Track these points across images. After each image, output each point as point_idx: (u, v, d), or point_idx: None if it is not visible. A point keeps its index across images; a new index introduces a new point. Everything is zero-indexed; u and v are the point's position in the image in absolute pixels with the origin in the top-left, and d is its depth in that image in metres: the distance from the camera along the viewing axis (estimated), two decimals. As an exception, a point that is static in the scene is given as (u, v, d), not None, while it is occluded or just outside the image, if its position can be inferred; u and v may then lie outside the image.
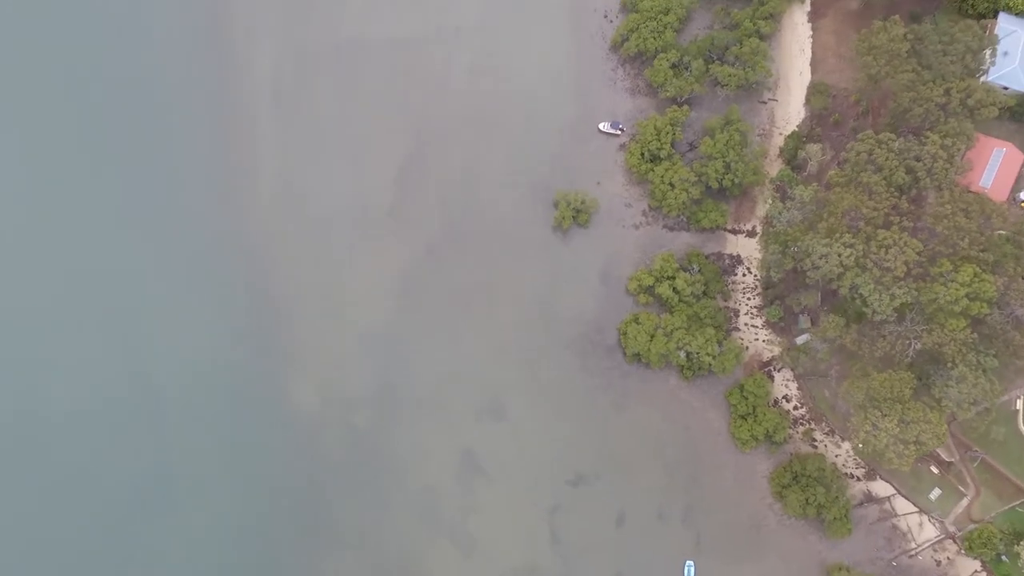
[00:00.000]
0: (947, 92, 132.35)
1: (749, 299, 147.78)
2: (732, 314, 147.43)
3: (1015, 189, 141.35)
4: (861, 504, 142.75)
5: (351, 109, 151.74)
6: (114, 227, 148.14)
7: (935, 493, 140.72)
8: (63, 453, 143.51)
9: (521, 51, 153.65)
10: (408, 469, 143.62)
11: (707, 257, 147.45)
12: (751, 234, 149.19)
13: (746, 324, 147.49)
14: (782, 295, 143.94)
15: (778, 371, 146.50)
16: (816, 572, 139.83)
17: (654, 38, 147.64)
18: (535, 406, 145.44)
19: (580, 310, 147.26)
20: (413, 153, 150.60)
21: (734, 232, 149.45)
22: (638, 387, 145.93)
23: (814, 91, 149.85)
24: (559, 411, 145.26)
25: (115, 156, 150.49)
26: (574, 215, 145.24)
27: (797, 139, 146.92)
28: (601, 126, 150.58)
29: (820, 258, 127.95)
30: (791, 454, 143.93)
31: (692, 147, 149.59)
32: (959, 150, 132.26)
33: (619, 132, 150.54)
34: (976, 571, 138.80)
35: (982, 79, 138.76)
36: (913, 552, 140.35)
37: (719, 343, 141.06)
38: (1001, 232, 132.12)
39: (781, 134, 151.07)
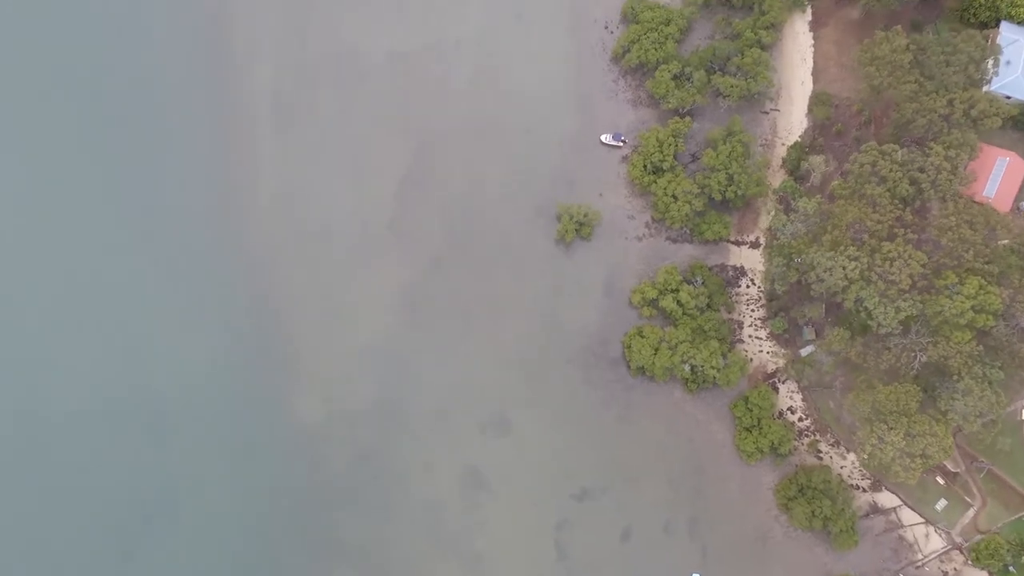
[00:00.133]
0: (950, 103, 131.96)
1: (753, 311, 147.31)
2: (736, 326, 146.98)
3: (1018, 198, 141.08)
4: (867, 515, 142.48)
5: (352, 121, 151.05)
6: (114, 246, 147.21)
7: (941, 504, 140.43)
8: (62, 477, 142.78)
9: (522, 63, 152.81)
10: (412, 484, 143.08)
11: (710, 269, 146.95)
12: (754, 245, 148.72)
13: (750, 336, 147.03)
14: (786, 307, 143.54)
15: (783, 383, 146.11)
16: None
17: (655, 49, 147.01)
18: (539, 420, 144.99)
19: (584, 323, 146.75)
20: (414, 166, 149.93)
21: (737, 243, 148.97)
22: (642, 400, 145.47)
23: (816, 101, 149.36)
24: (563, 425, 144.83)
25: (115, 169, 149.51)
26: (577, 228, 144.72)
27: (800, 150, 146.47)
28: (603, 138, 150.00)
29: (825, 271, 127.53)
30: (796, 466, 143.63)
31: (695, 158, 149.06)
32: (962, 161, 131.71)
33: (621, 144, 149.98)
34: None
35: (985, 89, 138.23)
36: (920, 563, 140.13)
37: (723, 356, 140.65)
38: (1005, 242, 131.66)
39: (783, 144, 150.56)
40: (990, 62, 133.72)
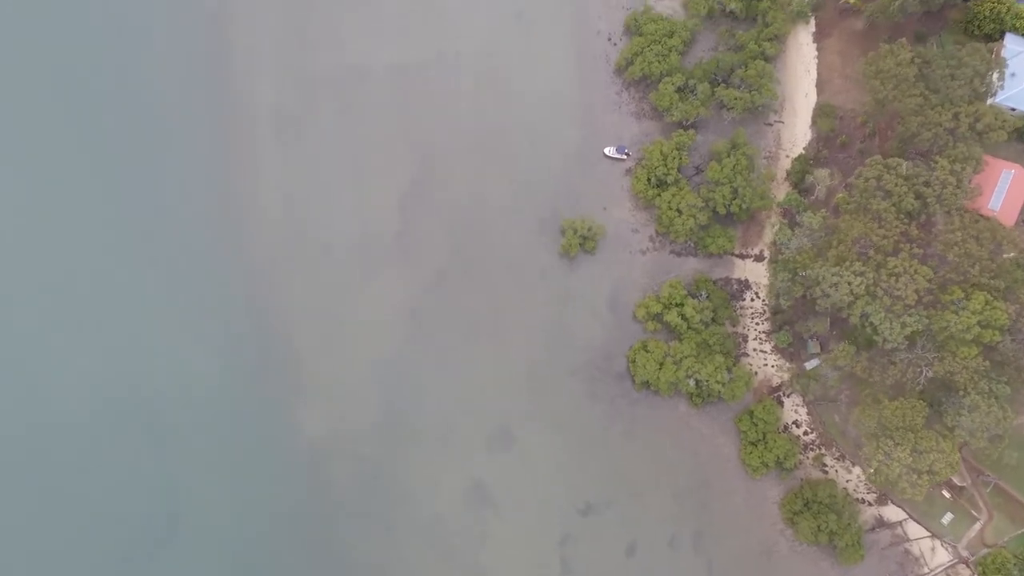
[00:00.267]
0: (956, 116, 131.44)
1: (757, 324, 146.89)
2: (741, 340, 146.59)
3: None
4: (873, 529, 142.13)
5: (354, 135, 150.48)
6: (116, 259, 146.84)
7: (947, 517, 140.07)
8: (63, 493, 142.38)
9: (524, 75, 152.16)
10: (417, 499, 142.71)
11: (715, 282, 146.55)
12: (759, 258, 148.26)
13: (755, 349, 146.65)
14: (791, 321, 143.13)
15: (787, 396, 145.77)
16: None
17: (659, 61, 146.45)
18: (544, 434, 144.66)
19: (588, 337, 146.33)
20: (417, 180, 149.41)
21: (741, 257, 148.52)
22: (647, 414, 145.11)
23: (820, 113, 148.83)
24: (568, 439, 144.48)
25: (116, 184, 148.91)
26: (581, 242, 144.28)
27: (804, 162, 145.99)
28: (607, 151, 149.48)
29: (830, 287, 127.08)
30: (802, 480, 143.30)
31: (698, 171, 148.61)
32: (967, 174, 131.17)
33: (625, 156, 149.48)
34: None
35: (990, 101, 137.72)
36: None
37: (728, 370, 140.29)
38: (1011, 255, 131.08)
39: (788, 156, 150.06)
40: (995, 75, 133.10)
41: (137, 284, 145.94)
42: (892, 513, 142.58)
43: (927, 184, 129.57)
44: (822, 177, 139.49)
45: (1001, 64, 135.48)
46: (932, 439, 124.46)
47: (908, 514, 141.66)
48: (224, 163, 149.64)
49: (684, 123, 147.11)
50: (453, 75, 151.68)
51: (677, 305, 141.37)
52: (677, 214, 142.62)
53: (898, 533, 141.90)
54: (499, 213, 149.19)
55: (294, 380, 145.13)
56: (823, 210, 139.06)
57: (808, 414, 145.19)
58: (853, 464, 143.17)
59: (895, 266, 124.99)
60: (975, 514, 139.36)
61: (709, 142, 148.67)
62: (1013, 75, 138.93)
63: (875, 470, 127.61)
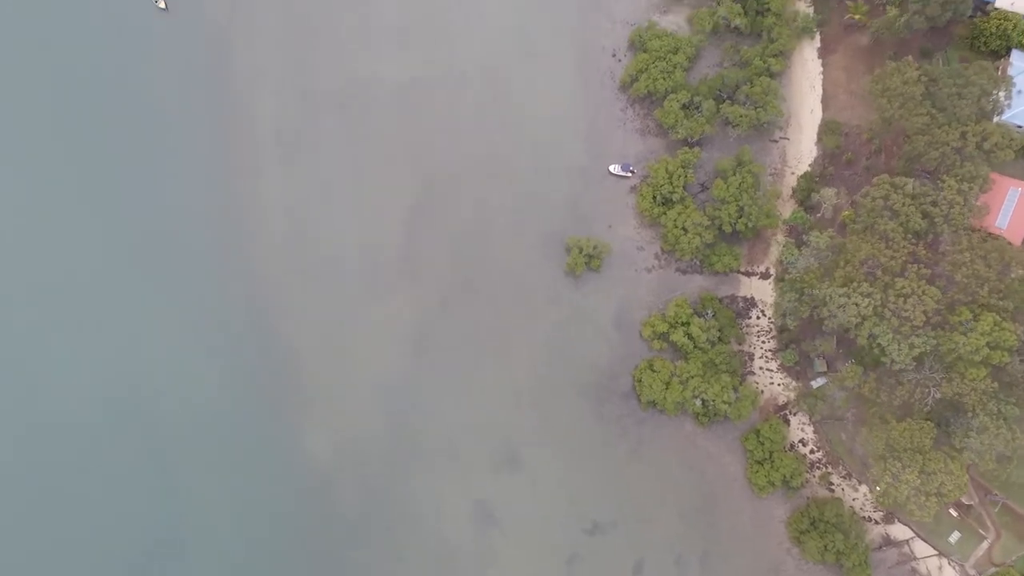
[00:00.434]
0: (963, 135, 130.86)
1: (764, 342, 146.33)
2: (747, 358, 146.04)
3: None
4: (880, 548, 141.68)
5: (357, 154, 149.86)
6: (119, 278, 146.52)
7: (955, 536, 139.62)
8: (67, 511, 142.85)
9: (529, 92, 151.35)
10: (423, 521, 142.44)
11: (721, 300, 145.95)
12: (764, 276, 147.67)
13: (761, 368, 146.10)
14: (797, 339, 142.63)
15: (794, 415, 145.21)
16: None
17: (664, 78, 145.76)
18: (550, 454, 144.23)
19: (594, 356, 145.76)
20: (421, 198, 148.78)
21: (747, 274, 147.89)
22: (653, 433, 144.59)
23: (826, 130, 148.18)
24: (574, 459, 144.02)
25: (118, 204, 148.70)
26: (586, 260, 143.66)
27: (810, 180, 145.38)
28: (611, 168, 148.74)
29: (838, 307, 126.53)
30: (808, 498, 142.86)
31: (704, 188, 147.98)
32: (974, 193, 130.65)
33: (630, 174, 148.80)
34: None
35: (996, 119, 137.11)
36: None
37: (735, 389, 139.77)
38: (1020, 275, 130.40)
39: (793, 173, 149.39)
40: (1002, 94, 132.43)
41: (143, 306, 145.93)
42: (899, 531, 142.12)
43: (934, 204, 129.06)
44: (828, 196, 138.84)
45: (1008, 82, 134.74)
46: (940, 460, 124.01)
47: (915, 532, 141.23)
48: (228, 182, 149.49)
49: (689, 140, 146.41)
50: (457, 92, 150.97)
51: (683, 324, 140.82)
52: (683, 232, 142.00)
53: (905, 552, 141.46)
54: (503, 230, 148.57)
55: (300, 400, 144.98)
56: (830, 229, 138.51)
57: (814, 432, 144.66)
58: (860, 482, 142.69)
59: (903, 287, 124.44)
60: (983, 533, 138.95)
61: (714, 159, 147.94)
62: (1020, 92, 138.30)
63: (883, 492, 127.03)
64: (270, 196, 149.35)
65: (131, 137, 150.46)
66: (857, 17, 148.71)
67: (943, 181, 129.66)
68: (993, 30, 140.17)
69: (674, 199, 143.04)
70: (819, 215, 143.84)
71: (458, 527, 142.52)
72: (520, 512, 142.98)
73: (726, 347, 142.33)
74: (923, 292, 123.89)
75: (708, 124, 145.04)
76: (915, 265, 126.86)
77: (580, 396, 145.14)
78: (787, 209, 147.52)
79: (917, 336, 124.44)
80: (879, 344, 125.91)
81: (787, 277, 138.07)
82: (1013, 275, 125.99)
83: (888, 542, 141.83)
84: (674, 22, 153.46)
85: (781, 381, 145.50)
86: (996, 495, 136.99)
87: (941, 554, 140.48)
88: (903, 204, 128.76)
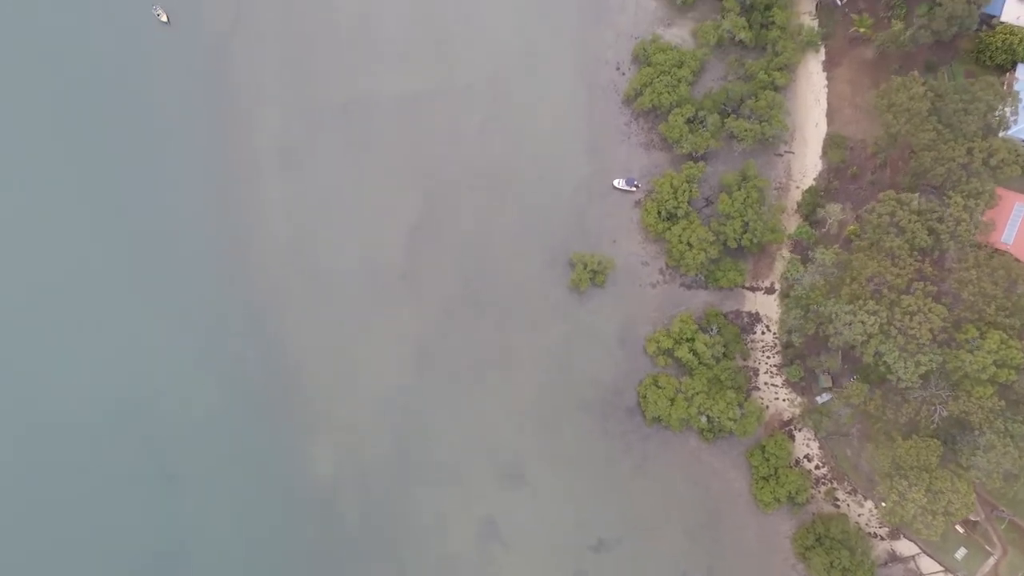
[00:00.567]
0: (969, 151, 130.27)
1: (768, 358, 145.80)
2: (752, 373, 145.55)
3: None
4: (886, 564, 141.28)
5: (360, 169, 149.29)
6: (121, 295, 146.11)
7: (961, 552, 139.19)
8: (71, 530, 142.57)
9: (532, 105, 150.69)
10: (427, 538, 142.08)
11: (725, 316, 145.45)
12: (769, 291, 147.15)
13: (766, 383, 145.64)
14: (802, 355, 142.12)
15: (799, 430, 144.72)
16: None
17: (668, 93, 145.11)
18: (554, 471, 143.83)
19: (598, 372, 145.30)
20: (425, 213, 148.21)
21: (752, 289, 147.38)
22: (658, 449, 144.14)
23: (831, 144, 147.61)
24: (579, 475, 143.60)
25: (120, 219, 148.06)
26: (591, 277, 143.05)
27: (815, 194, 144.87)
28: (616, 183, 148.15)
29: (844, 325, 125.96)
30: (814, 514, 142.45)
31: (708, 202, 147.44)
32: (980, 209, 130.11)
33: (634, 188, 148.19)
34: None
35: (1002, 134, 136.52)
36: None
37: (740, 405, 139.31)
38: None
39: (798, 187, 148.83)
40: (1008, 109, 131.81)
41: (146, 320, 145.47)
42: (905, 547, 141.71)
43: (940, 220, 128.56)
44: (834, 212, 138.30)
45: (1014, 97, 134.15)
46: (947, 479, 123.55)
47: (921, 549, 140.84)
48: (231, 197, 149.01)
49: (694, 155, 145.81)
50: (461, 106, 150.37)
51: (688, 340, 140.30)
52: (688, 248, 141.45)
53: (911, 568, 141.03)
54: (507, 245, 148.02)
55: (303, 415, 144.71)
56: (835, 246, 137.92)
57: (820, 448, 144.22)
58: (865, 498, 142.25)
59: (909, 305, 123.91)
60: (989, 549, 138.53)
61: (719, 173, 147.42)
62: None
63: (889, 510, 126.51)
64: (273, 211, 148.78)
65: (133, 150, 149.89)
66: (862, 30, 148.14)
67: (949, 197, 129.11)
68: (999, 44, 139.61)
69: (679, 214, 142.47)
70: (824, 230, 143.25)
71: (462, 543, 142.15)
72: (524, 528, 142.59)
73: (731, 363, 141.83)
74: (929, 310, 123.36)
75: (713, 138, 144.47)
76: (921, 282, 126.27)
77: (584, 412, 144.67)
78: (792, 223, 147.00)
79: (923, 354, 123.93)
80: (885, 362, 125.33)
81: (792, 294, 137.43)
82: (1020, 292, 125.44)
83: (894, 558, 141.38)
84: (678, 35, 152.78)
85: (786, 396, 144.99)
86: (1003, 511, 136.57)
87: (947, 570, 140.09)
88: (909, 221, 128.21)
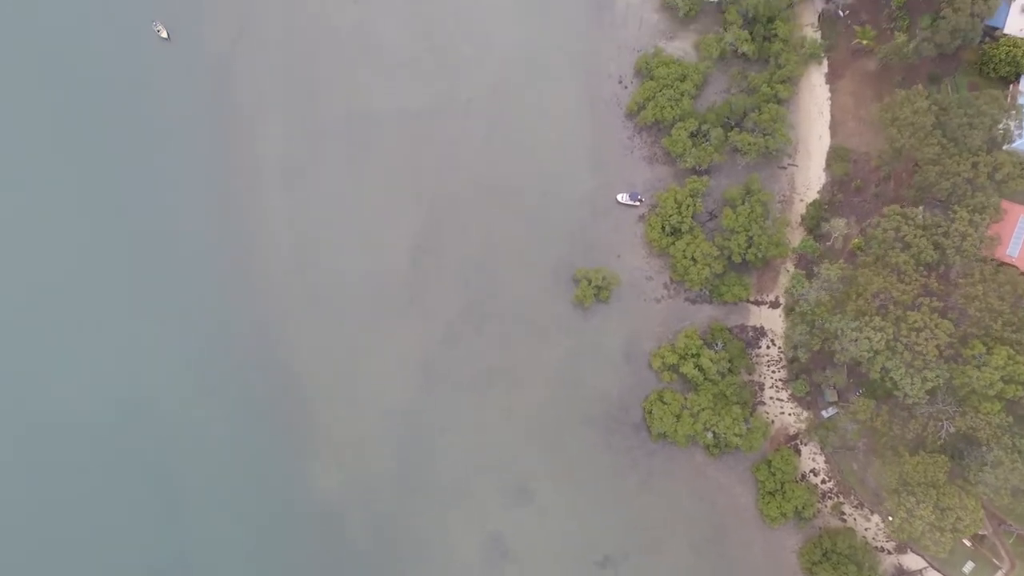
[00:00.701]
0: (974, 166, 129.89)
1: (774, 372, 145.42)
2: (757, 388, 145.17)
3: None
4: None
5: (363, 185, 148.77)
6: (125, 313, 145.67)
7: (968, 566, 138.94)
8: (75, 549, 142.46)
9: (535, 120, 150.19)
10: (433, 556, 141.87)
11: (730, 330, 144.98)
12: (774, 305, 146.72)
13: (771, 398, 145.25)
14: (808, 369, 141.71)
15: (805, 444, 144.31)
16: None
17: (671, 107, 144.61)
18: (560, 487, 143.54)
19: (604, 387, 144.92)
20: (428, 230, 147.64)
21: (757, 303, 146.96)
22: (664, 465, 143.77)
23: (835, 157, 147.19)
24: (585, 491, 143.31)
25: (123, 237, 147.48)
26: (595, 292, 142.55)
27: (819, 208, 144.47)
28: (619, 197, 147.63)
29: (850, 341, 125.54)
30: (820, 529, 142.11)
31: (712, 216, 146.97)
32: (985, 223, 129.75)
33: (638, 203, 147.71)
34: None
35: (1007, 147, 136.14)
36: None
37: (745, 420, 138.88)
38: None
39: (802, 200, 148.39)
40: (1013, 123, 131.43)
41: (150, 339, 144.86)
42: (912, 562, 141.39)
43: (946, 235, 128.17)
44: (839, 227, 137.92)
45: (1019, 110, 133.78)
46: (955, 495, 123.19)
47: (928, 563, 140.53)
48: (233, 214, 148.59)
49: (698, 169, 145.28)
50: (463, 121, 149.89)
51: (693, 356, 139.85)
52: (692, 263, 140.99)
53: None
54: (511, 261, 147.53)
55: (307, 435, 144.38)
56: (840, 261, 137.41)
57: (826, 462, 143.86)
58: (872, 512, 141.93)
59: (915, 321, 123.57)
60: (996, 563, 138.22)
61: (722, 186, 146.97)
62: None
63: (897, 528, 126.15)
64: (276, 226, 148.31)
65: (134, 165, 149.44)
66: (865, 42, 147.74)
67: (954, 212, 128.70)
68: (1002, 56, 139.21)
69: (683, 229, 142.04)
70: (829, 244, 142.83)
71: (468, 559, 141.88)
72: (531, 544, 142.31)
73: (736, 378, 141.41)
74: (936, 326, 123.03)
75: (716, 152, 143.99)
76: (927, 298, 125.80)
77: (590, 427, 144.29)
78: (796, 237, 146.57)
79: (930, 370, 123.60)
80: (891, 378, 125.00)
81: (798, 309, 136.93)
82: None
83: (901, 572, 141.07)
84: (680, 48, 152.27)
85: (792, 411, 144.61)
86: (1010, 525, 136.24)
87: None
88: (915, 236, 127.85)
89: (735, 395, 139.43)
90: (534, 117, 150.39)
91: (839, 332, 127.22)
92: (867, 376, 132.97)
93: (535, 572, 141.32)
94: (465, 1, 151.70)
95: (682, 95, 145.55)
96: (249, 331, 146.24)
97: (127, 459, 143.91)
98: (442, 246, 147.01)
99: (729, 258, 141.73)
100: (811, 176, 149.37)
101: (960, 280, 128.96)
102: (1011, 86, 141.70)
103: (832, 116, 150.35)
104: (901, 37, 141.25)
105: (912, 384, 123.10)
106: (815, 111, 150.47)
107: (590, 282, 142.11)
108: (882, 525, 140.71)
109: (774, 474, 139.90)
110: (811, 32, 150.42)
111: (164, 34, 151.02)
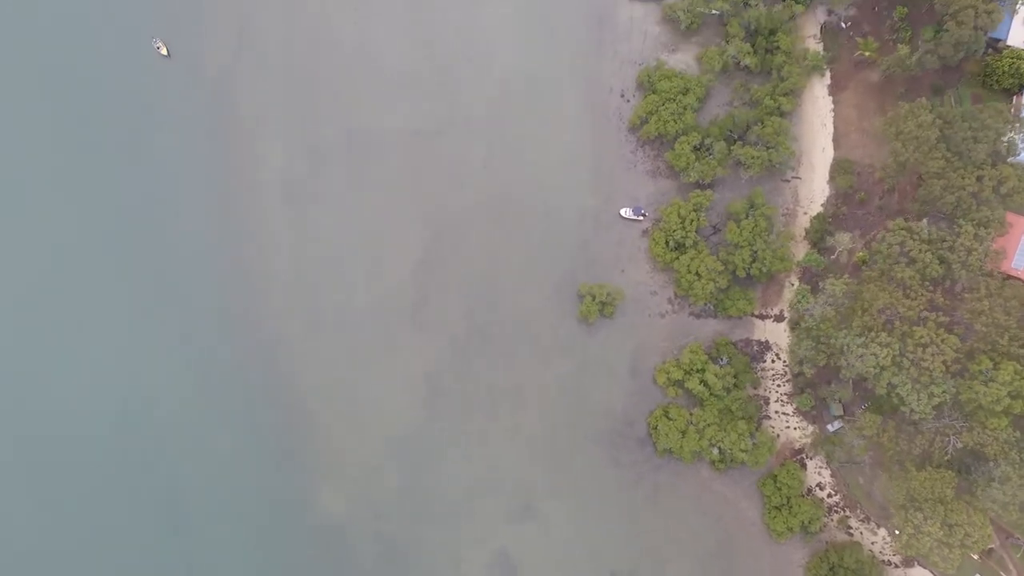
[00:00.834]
0: (979, 179, 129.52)
1: (779, 386, 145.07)
2: (762, 402, 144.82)
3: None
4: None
5: (365, 203, 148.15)
6: (127, 335, 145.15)
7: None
8: (80, 570, 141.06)
9: (537, 136, 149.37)
10: (440, 573, 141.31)
11: (735, 344, 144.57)
12: (778, 319, 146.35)
13: (777, 412, 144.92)
14: (813, 383, 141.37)
15: (810, 458, 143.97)
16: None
17: (674, 121, 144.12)
18: (566, 503, 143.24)
19: (609, 403, 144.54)
20: (431, 247, 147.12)
21: (761, 317, 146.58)
22: (670, 480, 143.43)
23: (838, 169, 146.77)
24: (591, 508, 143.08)
25: (123, 262, 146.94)
26: (600, 308, 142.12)
27: (823, 221, 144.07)
28: (623, 212, 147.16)
29: (857, 358, 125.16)
30: (827, 543, 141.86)
31: (716, 230, 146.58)
32: (990, 237, 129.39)
33: (641, 218, 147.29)
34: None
35: (1011, 159, 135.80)
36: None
37: (751, 435, 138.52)
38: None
39: (806, 213, 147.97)
40: (1018, 137, 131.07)
41: (151, 362, 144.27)
42: (919, 575, 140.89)
43: (951, 249, 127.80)
44: (843, 241, 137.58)
45: (1023, 123, 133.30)
46: (963, 512, 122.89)
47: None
48: (233, 235, 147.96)
49: (701, 183, 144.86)
50: (465, 137, 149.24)
51: (698, 371, 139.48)
52: (696, 278, 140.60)
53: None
54: (515, 277, 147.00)
55: (312, 454, 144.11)
56: (845, 276, 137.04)
57: (832, 476, 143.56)
58: (878, 526, 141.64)
59: (921, 336, 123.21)
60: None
61: (726, 200, 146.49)
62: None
63: (905, 544, 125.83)
64: (278, 245, 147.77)
65: (132, 185, 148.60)
66: (867, 54, 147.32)
67: (960, 226, 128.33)
68: (1006, 68, 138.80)
69: (687, 243, 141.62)
70: (833, 257, 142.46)
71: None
72: (537, 561, 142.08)
73: (742, 393, 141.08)
74: (942, 341, 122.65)
75: (720, 166, 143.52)
76: (933, 313, 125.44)
77: (595, 443, 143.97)
78: (800, 250, 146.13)
79: (936, 385, 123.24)
80: (898, 394, 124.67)
81: (803, 324, 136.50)
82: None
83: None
84: (682, 61, 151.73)
85: (797, 425, 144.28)
86: (1018, 539, 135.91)
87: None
88: (920, 251, 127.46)
89: (740, 410, 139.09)
90: (536, 132, 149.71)
91: (845, 348, 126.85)
92: (873, 391, 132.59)
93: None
94: (466, 17, 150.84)
95: (685, 108, 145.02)
96: (253, 351, 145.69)
97: (130, 478, 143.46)
98: (445, 263, 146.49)
99: (733, 272, 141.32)
100: (815, 189, 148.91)
101: (966, 295, 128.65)
102: (1015, 98, 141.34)
103: (835, 128, 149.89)
104: (904, 49, 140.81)
105: (919, 400, 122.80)
106: (818, 123, 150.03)
107: (594, 298, 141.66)
108: (889, 539, 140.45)
109: (780, 488, 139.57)
110: (813, 44, 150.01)
111: (164, 51, 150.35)
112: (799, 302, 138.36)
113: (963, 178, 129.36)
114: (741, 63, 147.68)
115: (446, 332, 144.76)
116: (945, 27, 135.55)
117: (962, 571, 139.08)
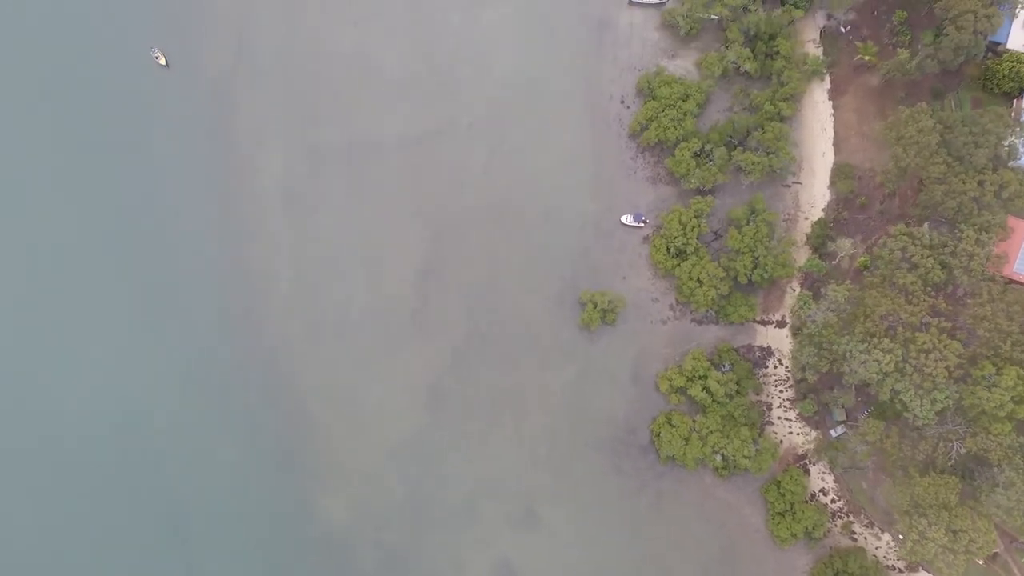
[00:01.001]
0: (980, 184, 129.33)
1: (781, 392, 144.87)
2: (765, 408, 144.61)
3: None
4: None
5: (365, 210, 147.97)
6: (128, 347, 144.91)
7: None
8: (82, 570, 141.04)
9: (537, 143, 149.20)
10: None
11: (737, 350, 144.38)
12: (780, 324, 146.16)
13: (779, 418, 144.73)
14: (815, 389, 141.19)
15: (814, 464, 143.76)
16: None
17: (674, 127, 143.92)
18: (569, 510, 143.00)
19: (611, 410, 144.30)
20: (431, 255, 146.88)
21: (763, 323, 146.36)
22: (673, 487, 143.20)
23: (839, 174, 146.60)
24: (593, 514, 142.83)
25: (124, 271, 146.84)
26: (601, 315, 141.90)
27: (824, 226, 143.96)
28: (623, 219, 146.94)
29: (859, 364, 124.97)
30: (831, 548, 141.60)
31: (717, 236, 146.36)
32: (992, 241, 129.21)
33: (642, 224, 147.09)
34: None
35: (1012, 163, 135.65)
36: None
37: (754, 442, 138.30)
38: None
39: (807, 219, 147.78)
40: (1019, 141, 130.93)
41: (151, 371, 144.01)
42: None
43: (953, 254, 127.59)
44: (845, 247, 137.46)
45: (1023, 127, 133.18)
46: (968, 518, 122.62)
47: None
48: (233, 243, 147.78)
49: (702, 189, 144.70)
50: (465, 144, 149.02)
51: (701, 377, 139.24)
52: (698, 284, 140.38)
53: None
54: (516, 285, 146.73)
55: (313, 462, 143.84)
56: (847, 281, 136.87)
57: (835, 482, 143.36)
58: (882, 531, 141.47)
59: (924, 342, 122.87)
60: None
61: (727, 206, 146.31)
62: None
63: (909, 550, 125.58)
64: (278, 253, 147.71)
65: (131, 195, 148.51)
66: (867, 58, 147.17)
67: (961, 231, 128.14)
68: (1006, 72, 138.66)
69: (688, 250, 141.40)
70: (835, 263, 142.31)
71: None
72: (540, 569, 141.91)
73: (744, 399, 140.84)
74: (945, 347, 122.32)
75: (720, 172, 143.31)
76: (936, 319, 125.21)
77: (597, 450, 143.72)
78: (801, 255, 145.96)
79: (939, 391, 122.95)
80: (901, 399, 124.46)
81: (805, 331, 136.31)
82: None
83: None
84: (682, 66, 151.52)
85: (800, 431, 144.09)
86: (1022, 543, 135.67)
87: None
88: (921, 256, 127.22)
89: (743, 416, 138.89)
90: (536, 139, 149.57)
91: (847, 354, 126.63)
92: (876, 396, 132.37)
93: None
94: (465, 24, 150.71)
95: (685, 115, 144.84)
96: (254, 359, 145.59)
97: (130, 480, 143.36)
98: (446, 271, 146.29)
99: (735, 279, 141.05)
100: (815, 194, 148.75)
101: (968, 300, 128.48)
102: (1015, 102, 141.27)
103: (835, 133, 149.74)
104: (904, 53, 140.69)
105: (922, 406, 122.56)
106: (818, 128, 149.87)
107: (596, 305, 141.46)
108: (893, 544, 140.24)
109: (783, 495, 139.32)
110: (813, 49, 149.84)
111: (163, 61, 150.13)
112: (801, 308, 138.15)
113: (964, 183, 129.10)
114: (741, 68, 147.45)
115: (447, 340, 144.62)
116: (945, 31, 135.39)
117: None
